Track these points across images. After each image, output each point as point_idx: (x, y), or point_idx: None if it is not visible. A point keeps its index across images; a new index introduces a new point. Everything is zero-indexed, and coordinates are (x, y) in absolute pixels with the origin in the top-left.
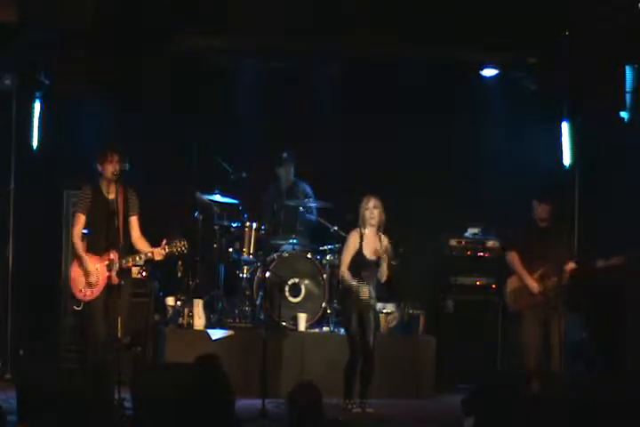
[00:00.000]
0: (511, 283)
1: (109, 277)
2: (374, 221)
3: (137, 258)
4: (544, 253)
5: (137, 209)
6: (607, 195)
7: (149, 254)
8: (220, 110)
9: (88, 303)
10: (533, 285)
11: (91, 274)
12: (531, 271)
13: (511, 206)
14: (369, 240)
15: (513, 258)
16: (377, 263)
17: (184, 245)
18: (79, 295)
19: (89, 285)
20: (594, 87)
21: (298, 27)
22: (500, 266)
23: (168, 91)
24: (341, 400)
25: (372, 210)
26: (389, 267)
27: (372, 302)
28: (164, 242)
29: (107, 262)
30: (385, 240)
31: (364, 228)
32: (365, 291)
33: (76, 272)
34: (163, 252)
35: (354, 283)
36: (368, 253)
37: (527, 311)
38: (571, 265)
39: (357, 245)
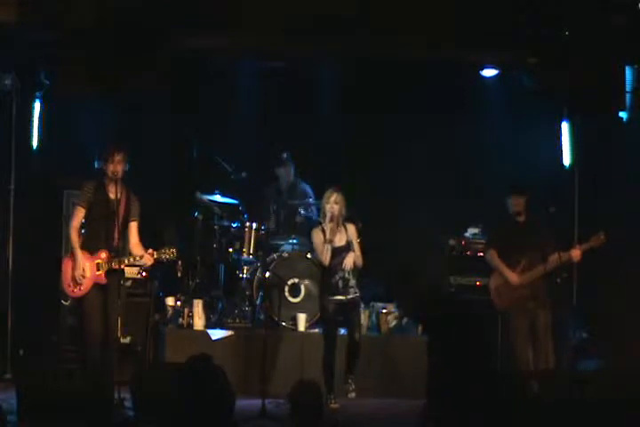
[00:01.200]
0: (493, 280)
1: (98, 277)
2: (333, 215)
3: (126, 260)
4: (523, 247)
5: (137, 215)
6: (607, 195)
7: (138, 258)
8: (220, 110)
9: (81, 301)
10: (512, 276)
11: (78, 269)
12: (511, 266)
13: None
14: (331, 231)
15: (492, 255)
16: (346, 249)
17: (173, 253)
18: (67, 290)
19: (74, 280)
20: (594, 87)
21: (298, 27)
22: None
23: (168, 91)
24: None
25: (332, 204)
26: (362, 249)
27: (352, 290)
28: (151, 250)
29: (97, 262)
30: (350, 228)
31: (325, 221)
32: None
33: (67, 266)
34: (151, 258)
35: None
36: (334, 241)
37: (514, 309)
38: (576, 252)
39: (322, 238)
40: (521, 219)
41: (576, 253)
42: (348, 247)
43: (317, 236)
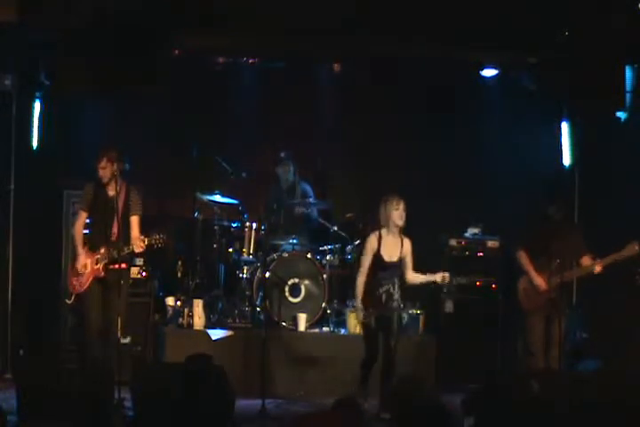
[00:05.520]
0: (522, 282)
1: (96, 271)
2: (402, 223)
3: (124, 249)
4: (552, 250)
5: (138, 210)
6: (607, 195)
7: (130, 247)
8: (220, 110)
9: (82, 296)
10: (540, 282)
11: (79, 262)
12: (541, 268)
13: (511, 206)
14: (387, 242)
15: (522, 256)
16: (398, 266)
17: (162, 239)
18: (70, 288)
19: (75, 273)
20: (594, 87)
21: (298, 27)
22: (500, 266)
23: (168, 91)
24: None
25: (401, 212)
26: (414, 267)
27: (395, 304)
28: (142, 237)
29: (96, 257)
30: (407, 243)
31: (387, 229)
32: (361, 315)
33: (72, 267)
34: (142, 244)
35: (359, 306)
36: (386, 255)
37: (537, 312)
38: (598, 268)
39: (375, 248)
40: (553, 222)
41: (598, 269)
42: (399, 264)
43: (371, 242)
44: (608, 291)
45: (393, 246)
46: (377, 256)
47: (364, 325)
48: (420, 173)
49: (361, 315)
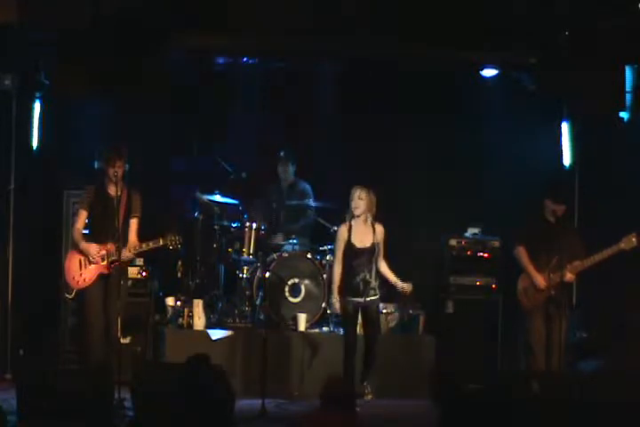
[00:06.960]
0: (522, 281)
1: (102, 267)
2: (358, 211)
3: (131, 249)
4: (551, 248)
5: (138, 212)
6: (607, 195)
7: (144, 246)
8: (220, 110)
9: (83, 292)
10: (539, 280)
11: (94, 251)
12: (540, 266)
13: (511, 206)
14: (358, 230)
15: (520, 252)
16: (371, 251)
17: (178, 240)
18: (72, 283)
19: (77, 269)
20: (594, 87)
21: (298, 27)
22: (500, 266)
23: (168, 91)
24: None
25: (356, 201)
26: (385, 257)
27: (372, 292)
28: (159, 237)
29: (102, 253)
30: (379, 228)
31: (352, 219)
32: (337, 307)
33: (72, 260)
34: (158, 244)
35: (333, 299)
36: (357, 241)
37: (537, 311)
38: (570, 276)
39: (346, 238)
40: (553, 220)
41: (569, 276)
42: (372, 249)
43: (341, 232)
44: (608, 291)
45: (364, 233)
46: (349, 245)
47: (342, 313)
48: (420, 173)
49: (337, 306)
